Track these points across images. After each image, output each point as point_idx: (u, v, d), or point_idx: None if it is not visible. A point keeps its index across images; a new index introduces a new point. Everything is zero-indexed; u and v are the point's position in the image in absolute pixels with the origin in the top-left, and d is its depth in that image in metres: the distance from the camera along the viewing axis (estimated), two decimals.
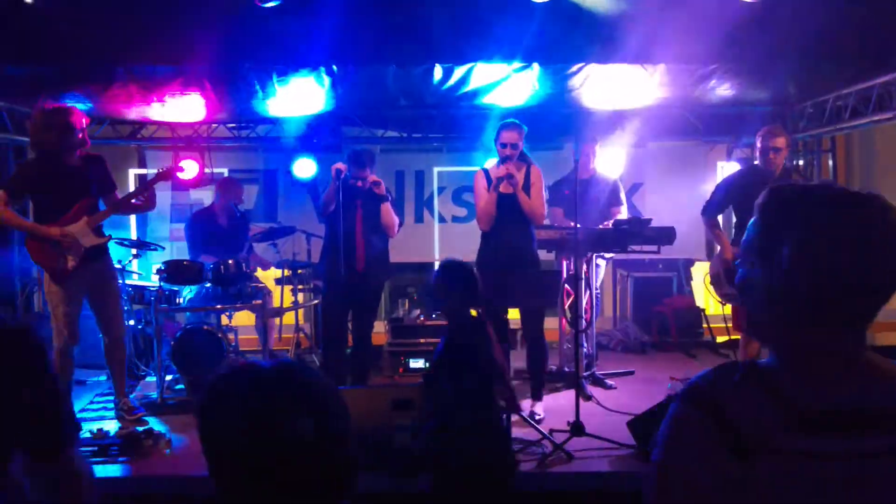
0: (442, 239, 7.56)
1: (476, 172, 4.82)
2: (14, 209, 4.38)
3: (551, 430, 4.18)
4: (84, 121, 4.38)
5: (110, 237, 4.54)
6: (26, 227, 4.39)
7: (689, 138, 6.95)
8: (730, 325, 5.77)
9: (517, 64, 5.10)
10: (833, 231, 1.06)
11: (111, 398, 4.86)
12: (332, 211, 4.84)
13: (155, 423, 4.48)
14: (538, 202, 4.63)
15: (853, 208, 1.08)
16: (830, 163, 6.96)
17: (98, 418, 4.67)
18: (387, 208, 4.92)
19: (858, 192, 1.10)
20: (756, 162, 4.84)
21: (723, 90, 5.66)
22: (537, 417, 4.48)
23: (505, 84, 5.41)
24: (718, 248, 4.93)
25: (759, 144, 4.66)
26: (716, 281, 4.77)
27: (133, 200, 4.66)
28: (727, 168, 6.94)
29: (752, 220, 1.17)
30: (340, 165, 4.80)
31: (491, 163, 4.76)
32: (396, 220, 5.04)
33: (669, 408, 1.17)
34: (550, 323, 4.89)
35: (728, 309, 5.50)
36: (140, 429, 4.26)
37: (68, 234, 4.29)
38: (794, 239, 1.07)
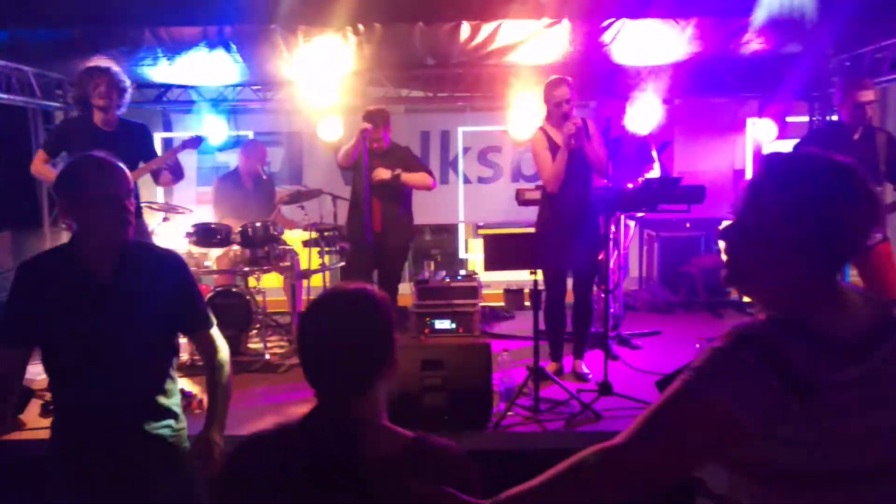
0: (467, 200, 7.52)
1: (534, 134, 4.67)
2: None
3: (579, 390, 4.19)
4: (118, 84, 4.36)
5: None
6: (51, 180, 4.49)
7: (720, 94, 6.79)
8: None
9: (546, 20, 4.99)
10: (812, 190, 1.27)
11: None
12: (354, 172, 4.86)
13: (185, 384, 4.56)
14: (603, 151, 4.52)
15: (835, 174, 1.29)
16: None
17: None
18: (411, 179, 4.94)
19: (837, 161, 1.31)
20: (835, 117, 4.58)
21: (756, 44, 5.50)
22: (588, 376, 4.51)
23: (533, 41, 5.30)
24: None
25: (841, 97, 4.36)
26: None
27: (157, 167, 4.58)
28: (758, 124, 6.80)
29: (751, 181, 1.35)
30: (366, 125, 4.77)
31: (544, 122, 4.64)
32: (427, 180, 5.04)
33: (715, 346, 1.26)
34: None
35: None
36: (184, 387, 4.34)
37: None
38: (782, 196, 1.28)
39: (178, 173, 4.69)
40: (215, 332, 2.36)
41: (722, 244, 1.39)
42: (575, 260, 4.46)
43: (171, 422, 2.25)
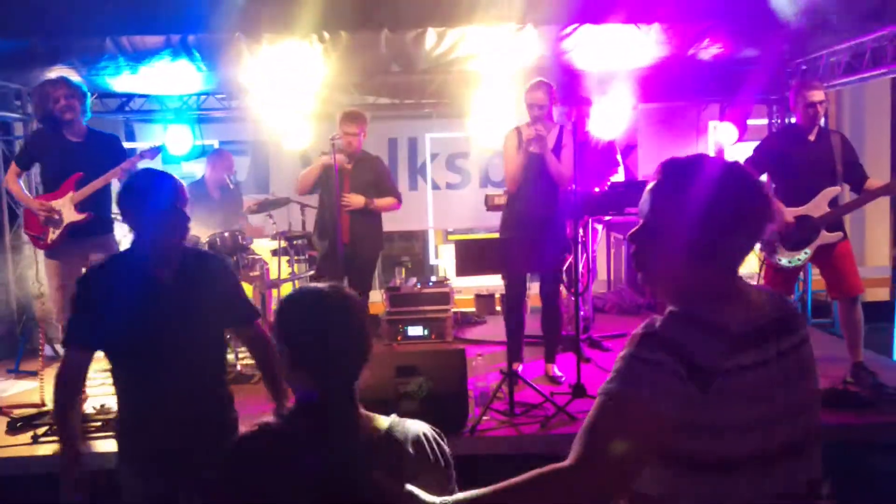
0: (436, 206, 7.54)
1: (507, 133, 4.72)
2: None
3: (552, 393, 4.22)
4: (75, 92, 4.34)
5: (90, 215, 4.43)
6: (21, 199, 4.48)
7: (682, 98, 6.92)
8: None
9: (511, 26, 5.04)
10: (704, 192, 1.35)
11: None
12: (316, 187, 4.98)
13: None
14: (567, 164, 4.53)
15: (727, 175, 1.39)
16: (822, 119, 6.94)
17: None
18: (381, 204, 5.02)
19: (728, 162, 1.43)
20: (792, 119, 4.64)
21: (716, 49, 5.62)
22: (561, 378, 4.54)
23: (498, 47, 5.34)
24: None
25: (794, 99, 4.45)
26: (768, 247, 4.51)
27: (115, 178, 4.48)
28: (719, 128, 6.93)
29: (649, 186, 1.44)
30: (328, 161, 4.80)
31: (523, 122, 4.68)
32: (395, 204, 5.14)
33: (626, 353, 1.36)
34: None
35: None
36: None
37: (47, 207, 4.34)
38: (677, 198, 1.38)
39: None
40: (262, 323, 2.64)
41: (632, 247, 1.47)
42: (539, 263, 4.51)
43: (226, 410, 2.56)
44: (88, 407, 4.15)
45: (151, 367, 2.35)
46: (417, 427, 1.58)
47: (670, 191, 1.40)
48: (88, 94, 4.43)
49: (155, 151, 4.81)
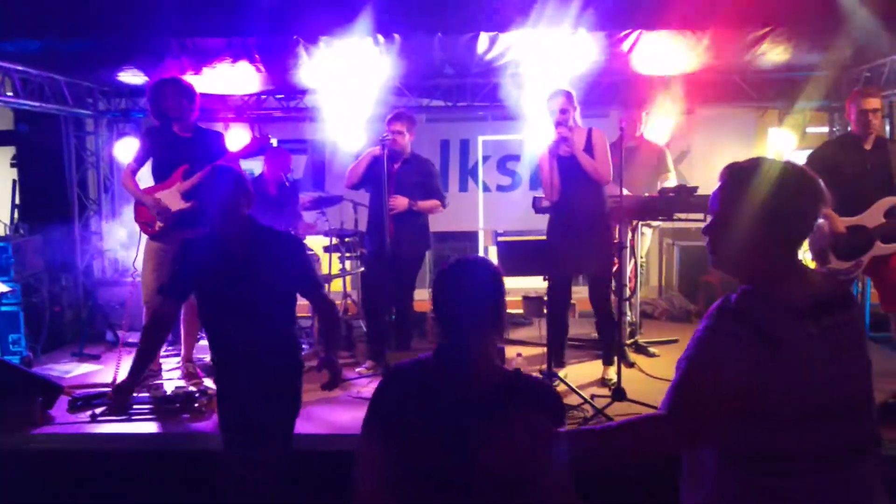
0: (486, 208, 7.59)
1: (540, 156, 4.82)
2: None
3: (592, 395, 4.23)
4: (184, 92, 4.62)
5: (195, 203, 4.60)
6: (138, 196, 4.71)
7: (739, 104, 6.80)
8: None
9: (564, 31, 5.05)
10: (765, 187, 1.61)
11: (168, 359, 5.13)
12: (369, 182, 5.06)
13: (209, 384, 4.68)
14: (602, 161, 4.56)
15: (781, 171, 1.64)
16: (888, 128, 6.75)
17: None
18: (424, 206, 5.15)
19: (781, 161, 1.68)
20: (849, 128, 4.59)
21: (775, 55, 5.52)
22: (612, 382, 4.51)
23: (550, 52, 5.37)
24: (822, 221, 4.73)
25: (849, 106, 4.43)
26: (820, 256, 4.47)
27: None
28: (778, 134, 6.80)
29: (716, 187, 1.69)
30: (377, 151, 4.92)
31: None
32: (438, 208, 5.27)
33: (703, 325, 1.61)
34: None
35: None
36: (194, 389, 4.46)
37: (155, 198, 4.60)
38: (752, 195, 1.62)
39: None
40: (325, 292, 3.14)
41: (706, 238, 1.74)
42: (583, 267, 4.51)
43: (290, 356, 3.10)
44: (143, 389, 4.36)
45: (226, 318, 2.97)
46: (539, 379, 2.01)
47: (733, 190, 1.65)
48: (195, 95, 4.68)
49: (259, 147, 4.97)
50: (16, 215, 6.94)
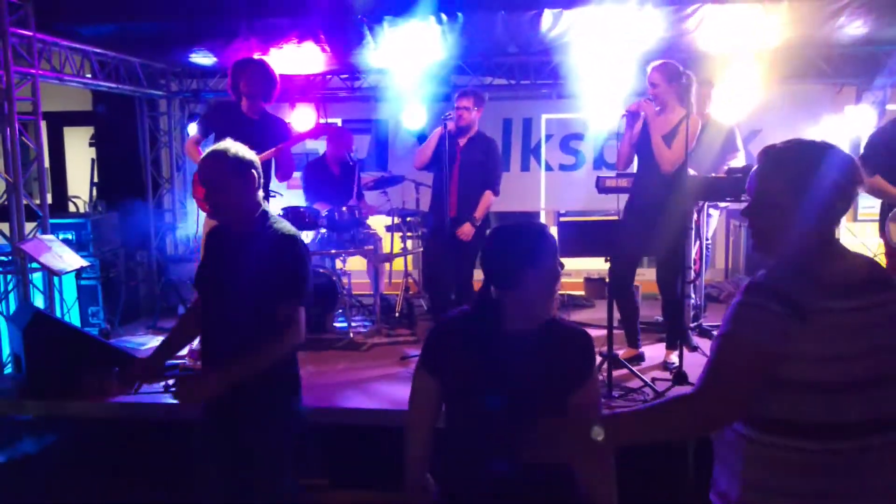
0: (548, 187, 7.53)
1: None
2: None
3: (653, 379, 4.19)
4: (266, 75, 4.65)
5: None
6: (196, 161, 4.74)
7: (814, 81, 6.54)
8: None
9: (629, 6, 4.95)
10: (802, 166, 1.67)
11: None
12: (434, 162, 5.07)
13: None
14: (676, 147, 4.32)
15: (817, 152, 1.68)
16: None
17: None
18: (481, 213, 5.15)
19: (817, 142, 1.71)
20: None
21: (853, 28, 5.28)
22: (674, 366, 4.44)
23: (616, 29, 5.26)
24: None
25: None
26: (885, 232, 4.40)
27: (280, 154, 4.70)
28: (856, 112, 6.51)
29: (753, 169, 1.75)
30: (441, 131, 4.96)
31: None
32: (490, 201, 5.24)
33: (735, 301, 1.66)
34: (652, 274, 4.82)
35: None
36: None
37: None
38: (788, 174, 1.68)
39: (286, 167, 4.76)
40: (294, 315, 2.56)
41: (746, 220, 1.79)
42: (651, 248, 4.43)
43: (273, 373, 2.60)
44: None
45: (209, 304, 2.70)
46: (573, 324, 2.13)
47: (775, 169, 1.70)
48: (276, 83, 4.71)
49: (321, 131, 5.07)
50: (94, 193, 7.26)
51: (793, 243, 1.69)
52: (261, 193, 2.70)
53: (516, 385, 1.95)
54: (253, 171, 2.62)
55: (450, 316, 2.19)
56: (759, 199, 1.73)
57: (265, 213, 2.69)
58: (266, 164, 4.70)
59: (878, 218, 4.53)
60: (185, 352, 4.50)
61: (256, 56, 4.83)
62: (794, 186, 1.65)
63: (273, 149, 4.59)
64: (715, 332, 4.99)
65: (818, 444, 1.62)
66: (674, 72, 4.42)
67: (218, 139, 4.78)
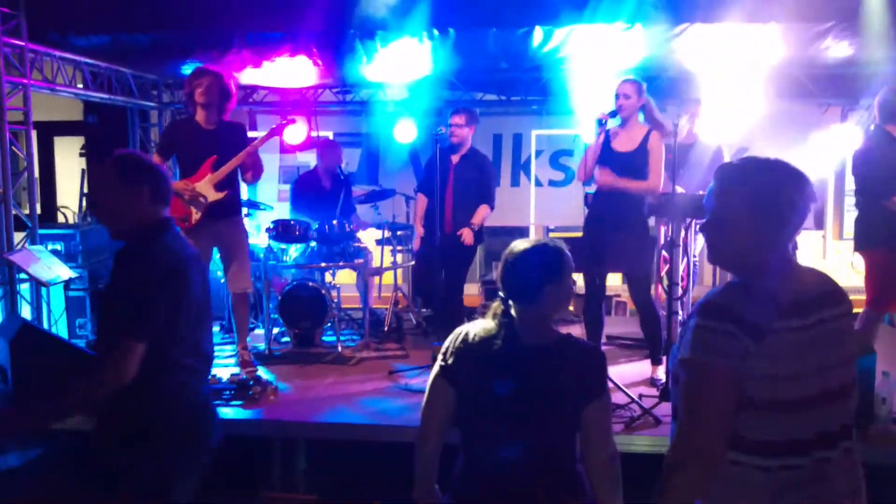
0: (538, 203, 7.57)
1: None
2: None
3: (640, 395, 4.21)
4: (220, 85, 4.61)
5: (229, 192, 4.68)
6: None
7: (801, 100, 6.62)
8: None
9: (619, 26, 5.01)
10: (755, 185, 1.69)
11: (223, 347, 5.28)
12: (429, 176, 5.08)
13: (263, 372, 4.82)
14: (654, 169, 4.37)
15: (772, 169, 1.71)
16: None
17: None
18: (477, 223, 5.24)
19: (771, 160, 1.73)
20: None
21: (839, 49, 5.36)
22: (660, 382, 4.47)
23: (605, 47, 5.33)
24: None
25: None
26: None
27: (246, 160, 4.71)
28: (842, 132, 6.60)
29: (709, 188, 1.77)
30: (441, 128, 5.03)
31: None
32: (486, 214, 5.33)
33: (689, 324, 1.69)
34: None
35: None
36: (248, 377, 4.58)
37: (191, 188, 4.59)
38: (744, 193, 1.69)
39: (257, 169, 4.78)
40: (120, 348, 2.13)
41: (702, 236, 1.82)
42: (615, 266, 4.47)
43: (129, 402, 2.21)
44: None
45: None
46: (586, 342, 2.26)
47: (725, 187, 1.73)
48: (233, 94, 4.70)
49: (279, 131, 5.09)
50: (84, 204, 7.23)
51: (748, 259, 1.72)
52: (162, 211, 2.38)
53: (534, 397, 2.04)
54: (144, 185, 2.32)
55: (469, 326, 2.22)
56: (715, 216, 1.75)
57: (161, 233, 2.31)
58: (233, 170, 4.67)
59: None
60: None
61: (196, 69, 4.77)
62: (750, 204, 1.68)
63: (241, 153, 4.59)
64: None
65: (776, 461, 1.65)
66: (643, 87, 4.47)
67: (181, 159, 4.78)
